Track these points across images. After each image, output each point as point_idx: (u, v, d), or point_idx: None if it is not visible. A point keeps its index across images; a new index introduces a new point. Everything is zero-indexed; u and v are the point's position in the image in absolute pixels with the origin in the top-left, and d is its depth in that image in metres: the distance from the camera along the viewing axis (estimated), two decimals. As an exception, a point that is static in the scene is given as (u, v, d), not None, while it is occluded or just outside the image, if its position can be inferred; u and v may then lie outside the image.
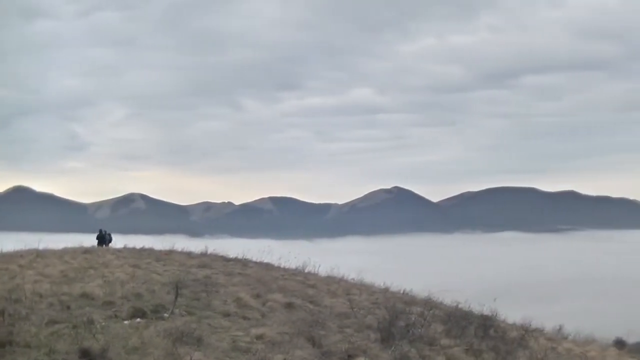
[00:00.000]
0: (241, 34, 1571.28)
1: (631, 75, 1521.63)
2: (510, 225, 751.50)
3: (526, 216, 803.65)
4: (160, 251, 39.14)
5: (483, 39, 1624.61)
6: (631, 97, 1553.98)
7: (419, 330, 22.13)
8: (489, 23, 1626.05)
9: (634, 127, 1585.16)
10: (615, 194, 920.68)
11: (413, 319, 22.58)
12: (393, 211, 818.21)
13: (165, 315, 20.23)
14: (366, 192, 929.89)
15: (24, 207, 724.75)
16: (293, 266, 37.47)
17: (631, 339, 40.30)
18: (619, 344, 36.20)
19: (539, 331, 31.30)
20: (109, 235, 49.42)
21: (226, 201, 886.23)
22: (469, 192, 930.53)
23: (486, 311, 28.00)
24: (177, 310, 20.77)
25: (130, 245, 42.57)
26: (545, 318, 35.36)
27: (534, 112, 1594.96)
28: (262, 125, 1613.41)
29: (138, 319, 19.63)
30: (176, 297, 21.32)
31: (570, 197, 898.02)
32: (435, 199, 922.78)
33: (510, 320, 31.18)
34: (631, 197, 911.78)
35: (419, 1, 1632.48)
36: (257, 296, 25.20)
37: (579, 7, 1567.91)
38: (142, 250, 39.92)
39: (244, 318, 21.46)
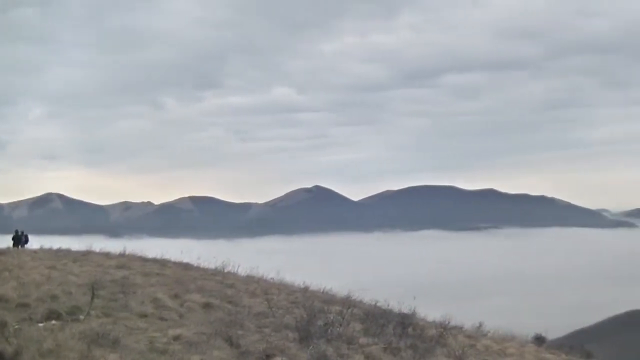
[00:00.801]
0: (162, 33, 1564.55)
1: (550, 75, 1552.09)
2: (430, 224, 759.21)
3: (446, 214, 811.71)
4: (77, 252, 38.63)
5: (404, 38, 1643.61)
6: (550, 96, 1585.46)
7: (338, 329, 22.18)
8: (410, 22, 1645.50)
9: (552, 126, 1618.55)
10: (534, 192, 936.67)
11: (331, 318, 22.61)
12: (313, 210, 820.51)
13: (81, 317, 19.91)
14: (287, 191, 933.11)
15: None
16: (212, 266, 37.27)
17: (550, 335, 40.99)
18: (538, 340, 36.76)
19: (458, 329, 31.63)
20: (25, 236, 48.53)
21: (146, 201, 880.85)
22: (389, 191, 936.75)
23: (405, 309, 28.17)
24: (93, 312, 20.44)
25: (47, 246, 41.90)
26: (465, 315, 35.76)
27: (455, 111, 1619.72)
28: (182, 125, 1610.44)
29: (53, 321, 19.25)
30: (92, 299, 21.00)
31: (490, 195, 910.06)
32: (355, 197, 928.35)
33: (429, 318, 31.43)
34: (549, 195, 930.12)
35: (340, 0, 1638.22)
36: (175, 296, 25.00)
37: (500, 7, 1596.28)
38: (59, 251, 39.37)
39: (162, 319, 21.23)
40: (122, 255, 38.12)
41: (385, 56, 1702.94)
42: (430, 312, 32.09)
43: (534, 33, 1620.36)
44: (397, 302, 29.27)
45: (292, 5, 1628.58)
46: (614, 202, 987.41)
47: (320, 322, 21.83)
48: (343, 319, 22.98)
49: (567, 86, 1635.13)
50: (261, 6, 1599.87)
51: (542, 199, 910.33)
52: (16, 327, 18.13)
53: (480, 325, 35.15)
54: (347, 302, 27.08)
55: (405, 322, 25.45)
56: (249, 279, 35.32)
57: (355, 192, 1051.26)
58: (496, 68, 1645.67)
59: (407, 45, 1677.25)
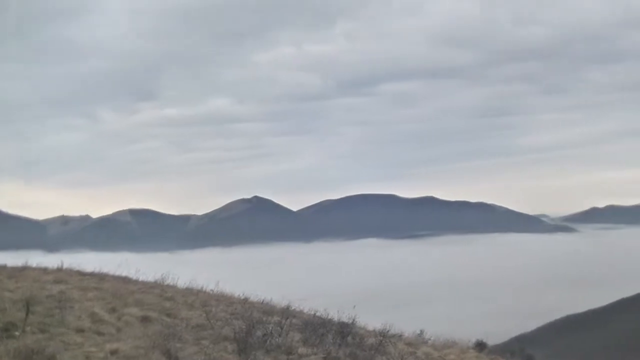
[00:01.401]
0: (97, 44, 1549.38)
1: (487, 82, 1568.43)
2: (370, 233, 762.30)
3: (386, 223, 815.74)
4: (13, 268, 38.00)
5: (340, 47, 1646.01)
6: (488, 103, 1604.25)
7: (277, 339, 22.17)
8: (346, 31, 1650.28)
9: (490, 133, 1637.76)
10: (473, 199, 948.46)
11: (270, 328, 22.59)
12: (253, 221, 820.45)
13: (16, 333, 19.63)
14: (226, 202, 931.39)
15: None
16: (151, 279, 36.96)
17: (491, 341, 41.23)
18: (479, 346, 36.93)
19: (398, 336, 31.69)
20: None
21: (84, 214, 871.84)
22: (328, 200, 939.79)
23: (345, 318, 28.18)
24: (28, 328, 20.18)
25: (-20, 263, 41.21)
26: (405, 323, 35.85)
27: (393, 119, 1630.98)
28: (119, 137, 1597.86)
29: (-13, 339, 19.01)
30: (27, 314, 20.73)
31: (429, 203, 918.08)
32: (294, 207, 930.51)
33: (369, 327, 31.46)
34: (489, 202, 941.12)
35: (276, 10, 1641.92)
36: (113, 310, 24.75)
37: (436, 14, 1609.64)
38: (-7, 267, 38.76)
39: (99, 333, 21.01)
40: (59, 269, 37.44)
41: (321, 65, 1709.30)
42: (370, 320, 32.09)
43: (470, 41, 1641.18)
44: (337, 311, 29.24)
45: (227, 16, 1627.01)
46: (552, 208, 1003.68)
47: (259, 333, 21.80)
48: (282, 329, 22.97)
49: (504, 93, 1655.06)
50: (197, 17, 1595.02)
51: (481, 206, 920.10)
52: (-51, 345, 17.85)
53: (421, 332, 35.29)
54: (286, 313, 27.02)
55: (345, 331, 25.50)
56: (188, 291, 35.03)
57: (294, 202, 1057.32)
58: (433, 76, 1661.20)
59: (343, 54, 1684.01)
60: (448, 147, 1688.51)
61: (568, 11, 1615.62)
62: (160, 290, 33.38)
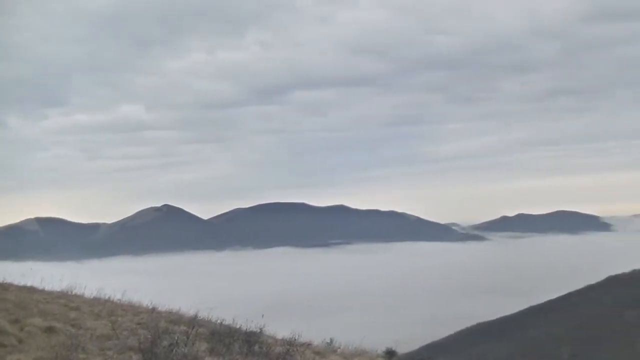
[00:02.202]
0: (5, 48, 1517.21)
1: (398, 91, 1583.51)
2: (281, 241, 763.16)
3: (297, 231, 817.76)
4: None
5: (253, 55, 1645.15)
6: (399, 112, 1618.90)
7: (183, 349, 21.99)
8: (259, 39, 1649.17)
9: (401, 142, 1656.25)
10: (384, 207, 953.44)
11: (177, 338, 22.41)
12: (163, 230, 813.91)
13: None
14: (136, 211, 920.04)
15: None
16: (57, 289, 36.36)
17: (401, 349, 41.47)
18: (389, 354, 37.10)
19: (306, 345, 31.70)
20: None
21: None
22: (239, 209, 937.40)
23: (253, 327, 28.12)
24: None
25: None
26: (316, 332, 35.87)
27: (304, 127, 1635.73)
28: (27, 143, 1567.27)
29: None
30: None
31: (340, 212, 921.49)
32: (205, 216, 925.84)
33: (279, 336, 31.44)
34: (399, 210, 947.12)
35: (188, 17, 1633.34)
36: (15, 321, 24.24)
37: (348, 24, 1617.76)
38: None
39: (0, 345, 20.65)
40: (-40, 280, 36.85)
41: (233, 73, 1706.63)
42: (280, 329, 32.08)
43: (382, 50, 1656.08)
44: (245, 320, 29.20)
45: (138, 23, 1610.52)
46: (463, 216, 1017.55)
47: (165, 343, 21.58)
48: (188, 338, 22.80)
49: (416, 102, 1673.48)
50: (107, 23, 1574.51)
51: (392, 215, 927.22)
52: None
53: (331, 341, 35.34)
54: (194, 322, 26.87)
55: (252, 340, 25.43)
56: (96, 301, 34.56)
57: (205, 211, 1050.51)
58: (344, 84, 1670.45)
59: (255, 62, 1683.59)
60: (359, 155, 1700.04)
61: (479, 21, 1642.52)
62: (66, 300, 32.87)
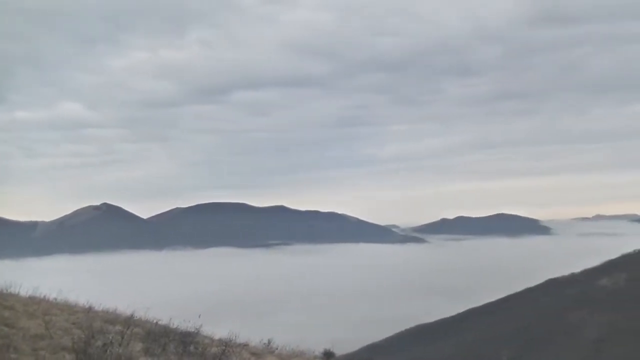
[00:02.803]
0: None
1: (342, 92, 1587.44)
2: (221, 241, 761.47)
3: (237, 232, 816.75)
4: None
5: (194, 54, 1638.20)
6: (342, 113, 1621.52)
7: (117, 349, 21.83)
8: (200, 38, 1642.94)
9: (343, 144, 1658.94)
10: (324, 208, 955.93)
11: (111, 338, 22.23)
12: (102, 228, 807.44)
13: None
14: (74, 209, 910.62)
15: None
16: (-8, 288, 35.93)
17: (340, 350, 41.56)
18: (327, 355, 37.14)
19: (243, 345, 31.64)
20: None
21: None
22: (179, 209, 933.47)
23: (190, 327, 28.02)
24: None
25: None
26: (254, 332, 35.80)
27: (245, 127, 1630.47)
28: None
29: None
30: None
31: (280, 212, 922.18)
32: (145, 215, 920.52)
33: (216, 336, 31.34)
34: (339, 212, 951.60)
35: (130, 15, 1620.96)
36: (-54, 320, 24.00)
37: (291, 24, 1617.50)
38: None
39: None
40: None
41: (175, 72, 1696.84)
42: (218, 330, 31.96)
43: (326, 51, 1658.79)
44: (182, 320, 29.07)
45: (80, 20, 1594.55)
46: (403, 218, 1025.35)
47: (99, 343, 21.38)
48: (123, 338, 22.63)
49: (359, 104, 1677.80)
50: (49, 19, 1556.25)
51: (332, 216, 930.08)
52: None
53: (269, 341, 35.31)
54: (129, 322, 26.69)
55: (187, 341, 25.33)
56: (31, 300, 34.14)
57: (144, 210, 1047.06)
58: (288, 85, 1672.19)
59: (197, 61, 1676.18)
60: (300, 156, 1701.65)
61: (424, 23, 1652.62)
62: (0, 299, 32.48)
